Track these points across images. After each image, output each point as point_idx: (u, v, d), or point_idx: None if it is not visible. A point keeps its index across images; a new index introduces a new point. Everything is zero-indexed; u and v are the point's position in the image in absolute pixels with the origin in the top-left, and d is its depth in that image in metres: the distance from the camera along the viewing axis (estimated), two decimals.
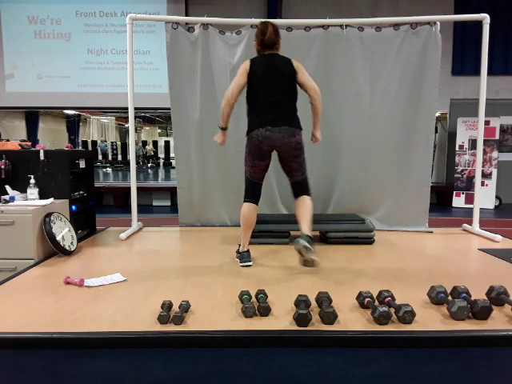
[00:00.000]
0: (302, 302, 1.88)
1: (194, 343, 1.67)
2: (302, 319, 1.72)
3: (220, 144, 2.84)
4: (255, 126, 2.66)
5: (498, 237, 3.40)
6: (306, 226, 2.61)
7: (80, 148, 14.13)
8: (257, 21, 3.82)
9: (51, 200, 3.03)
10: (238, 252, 2.81)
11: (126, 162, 13.13)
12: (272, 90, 2.66)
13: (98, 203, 7.85)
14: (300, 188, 2.75)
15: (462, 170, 7.85)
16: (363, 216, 3.45)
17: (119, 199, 7.82)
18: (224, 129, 2.77)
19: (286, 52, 3.72)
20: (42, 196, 3.07)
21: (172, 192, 7.86)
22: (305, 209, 2.68)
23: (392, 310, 1.80)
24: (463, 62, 8.11)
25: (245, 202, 2.74)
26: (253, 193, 2.75)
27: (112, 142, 16.82)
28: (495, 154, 7.69)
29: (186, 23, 3.81)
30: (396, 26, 3.70)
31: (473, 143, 7.53)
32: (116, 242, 3.34)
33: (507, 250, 3.08)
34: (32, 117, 10.92)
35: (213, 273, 2.54)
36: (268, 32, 2.69)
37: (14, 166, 3.11)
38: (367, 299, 1.92)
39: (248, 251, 2.74)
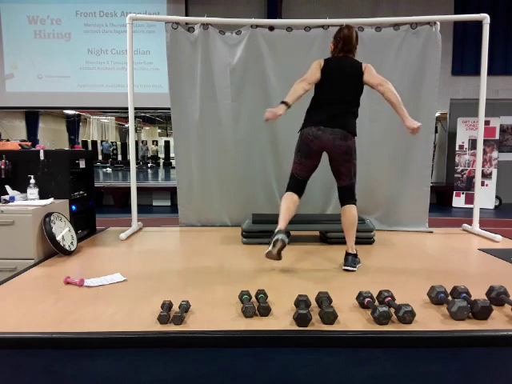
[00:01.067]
0: (302, 301, 1.88)
1: (194, 343, 1.67)
2: (302, 319, 1.72)
3: (270, 118, 2.58)
4: (309, 124, 2.64)
5: (498, 237, 3.40)
6: (350, 243, 2.64)
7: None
8: (257, 21, 3.84)
9: (51, 200, 3.03)
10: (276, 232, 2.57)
11: (126, 162, 13.13)
12: (336, 92, 2.65)
13: (98, 203, 7.85)
14: (346, 193, 2.70)
15: (462, 170, 7.85)
16: (363, 216, 3.45)
17: (119, 199, 7.82)
18: (288, 105, 2.58)
19: (286, 52, 3.75)
20: (42, 196, 3.07)
21: (172, 192, 7.86)
22: (350, 221, 2.65)
23: (392, 310, 1.80)
24: (463, 62, 8.11)
25: (286, 191, 2.70)
26: (294, 186, 2.70)
27: (112, 142, 16.82)
28: (495, 153, 7.69)
29: (186, 23, 3.81)
30: (396, 26, 3.70)
31: (473, 143, 7.53)
32: (116, 242, 3.34)
33: (507, 250, 3.08)
34: (32, 117, 10.91)
35: (213, 273, 2.54)
36: (352, 38, 2.68)
37: (14, 166, 3.11)
38: (367, 299, 1.92)
39: (284, 230, 2.53)
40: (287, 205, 2.65)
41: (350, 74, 2.67)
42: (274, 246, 2.46)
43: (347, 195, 2.70)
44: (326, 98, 2.66)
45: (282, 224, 2.61)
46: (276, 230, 2.55)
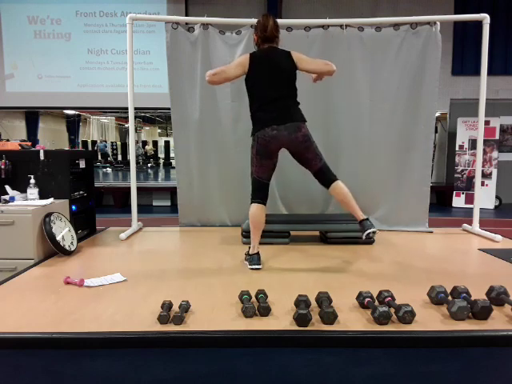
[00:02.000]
0: (301, 301, 1.88)
1: (193, 343, 1.67)
2: (302, 319, 1.72)
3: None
4: (260, 126, 2.63)
5: (498, 237, 3.40)
6: (357, 213, 2.64)
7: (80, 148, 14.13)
8: (256, 21, 3.83)
9: (51, 200, 3.03)
10: (247, 254, 2.74)
11: (126, 162, 13.12)
12: (273, 87, 2.65)
13: (98, 203, 7.85)
14: (325, 174, 2.70)
15: (462, 170, 7.85)
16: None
17: (119, 199, 7.82)
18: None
19: None
20: (42, 196, 3.07)
21: (172, 192, 7.86)
22: (344, 194, 2.65)
23: (392, 310, 1.79)
24: (463, 61, 8.11)
25: (252, 202, 2.69)
26: (260, 193, 2.70)
27: (112, 142, 16.81)
28: (495, 153, 7.69)
29: (186, 23, 3.81)
30: (396, 26, 3.69)
31: (473, 143, 7.54)
32: (116, 242, 3.34)
33: (507, 250, 3.08)
34: (32, 117, 10.91)
35: (213, 273, 2.54)
36: (269, 26, 2.68)
37: (14, 166, 3.11)
38: (367, 299, 1.92)
39: (258, 253, 2.66)
40: (258, 222, 2.69)
41: (280, 66, 2.67)
42: (253, 268, 2.61)
43: (327, 175, 2.71)
44: (266, 97, 2.65)
45: (255, 243, 2.71)
46: (254, 252, 2.67)
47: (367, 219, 2.62)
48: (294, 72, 2.70)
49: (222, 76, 2.64)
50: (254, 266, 2.61)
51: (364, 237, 2.58)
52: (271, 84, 2.65)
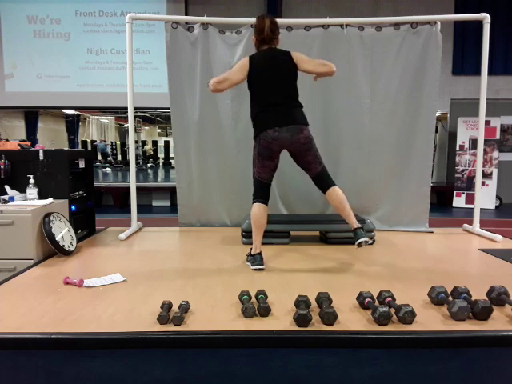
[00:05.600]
0: (302, 302, 1.87)
1: (193, 344, 1.67)
2: (302, 319, 1.71)
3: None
4: (262, 128, 2.64)
5: (499, 237, 3.39)
6: (351, 220, 2.64)
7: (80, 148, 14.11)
8: None
9: (50, 200, 3.02)
10: (249, 255, 2.73)
11: (126, 162, 13.12)
12: (274, 88, 2.65)
13: (98, 203, 7.84)
14: (323, 179, 2.71)
15: (463, 170, 7.84)
16: (363, 216, 3.44)
17: (119, 199, 7.81)
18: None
19: None
20: (42, 196, 3.07)
21: (172, 192, 7.85)
22: (339, 200, 2.66)
23: (392, 311, 1.79)
24: (464, 61, 8.10)
25: (254, 202, 2.70)
26: (262, 193, 2.71)
27: (112, 142, 16.79)
28: (496, 153, 7.69)
29: (186, 23, 3.80)
30: (396, 25, 3.69)
31: (473, 143, 7.53)
32: (116, 242, 3.34)
33: (508, 250, 3.08)
34: (31, 116, 10.89)
35: (213, 273, 2.53)
36: (266, 28, 2.67)
37: (14, 166, 3.10)
38: (367, 299, 1.91)
39: (260, 254, 2.65)
40: (260, 222, 2.69)
41: (280, 67, 2.67)
42: (256, 268, 2.58)
43: (325, 180, 2.71)
44: (267, 99, 2.66)
45: (257, 244, 2.70)
46: (256, 253, 2.65)
47: (361, 228, 2.62)
48: (294, 72, 2.70)
49: (225, 83, 2.65)
50: (257, 267, 2.59)
51: (356, 245, 2.59)
52: (272, 86, 2.65)
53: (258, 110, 2.69)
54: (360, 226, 2.63)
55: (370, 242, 2.57)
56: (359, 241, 2.55)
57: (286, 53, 2.71)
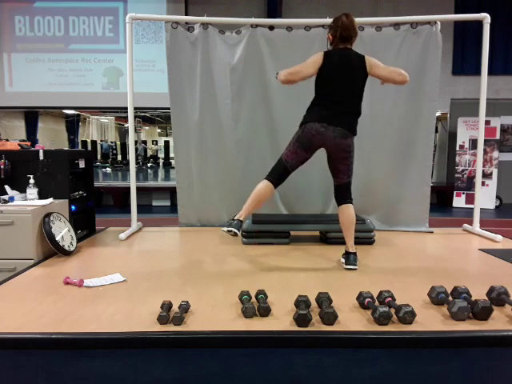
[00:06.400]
0: (302, 302, 1.87)
1: (193, 344, 1.67)
2: (302, 319, 1.71)
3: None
4: (312, 119, 2.62)
5: (499, 237, 3.39)
6: (349, 242, 2.65)
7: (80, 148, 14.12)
8: (257, 20, 3.83)
9: (50, 200, 3.02)
10: (232, 219, 2.64)
11: (126, 162, 13.12)
12: (340, 89, 2.62)
13: (98, 203, 7.84)
14: (343, 192, 2.70)
15: (463, 170, 7.84)
16: (363, 216, 3.44)
17: (119, 199, 7.81)
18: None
19: (287, 52, 3.74)
20: (42, 196, 3.07)
21: (172, 192, 7.85)
22: (349, 220, 2.66)
23: (392, 311, 1.79)
24: (463, 61, 8.10)
25: (265, 178, 2.66)
26: (277, 176, 2.67)
27: (112, 142, 16.80)
28: (496, 153, 7.69)
29: (186, 23, 3.80)
30: (396, 25, 3.69)
31: (473, 143, 7.53)
32: (116, 242, 3.33)
33: (508, 250, 3.08)
34: (31, 116, 10.90)
35: (213, 273, 2.54)
36: (354, 25, 2.64)
37: (14, 166, 3.10)
38: (367, 299, 1.91)
39: (241, 221, 2.60)
40: (260, 198, 2.63)
41: (353, 70, 2.64)
42: (228, 230, 2.55)
43: (344, 194, 2.70)
44: (330, 96, 2.64)
45: (245, 213, 2.63)
46: (238, 219, 2.58)
47: (354, 254, 2.63)
48: (364, 78, 2.67)
49: (298, 75, 2.61)
50: (229, 228, 2.55)
51: (344, 267, 2.61)
52: (339, 86, 2.62)
53: (318, 102, 2.67)
54: (355, 251, 2.64)
55: (357, 268, 2.58)
56: (348, 267, 2.59)
57: (361, 56, 2.67)
